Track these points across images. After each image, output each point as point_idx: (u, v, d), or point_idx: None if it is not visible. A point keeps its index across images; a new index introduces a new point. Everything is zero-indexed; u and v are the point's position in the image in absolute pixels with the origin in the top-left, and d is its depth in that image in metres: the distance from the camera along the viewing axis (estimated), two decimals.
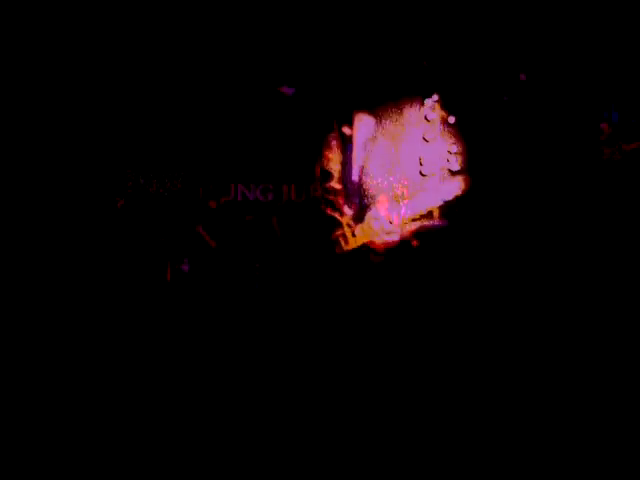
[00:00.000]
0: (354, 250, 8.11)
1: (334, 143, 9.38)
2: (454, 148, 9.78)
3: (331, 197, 8.39)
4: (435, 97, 9.33)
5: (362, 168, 9.58)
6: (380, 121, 9.71)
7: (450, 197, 9.23)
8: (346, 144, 9.40)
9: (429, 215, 9.29)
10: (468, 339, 5.24)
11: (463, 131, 9.45)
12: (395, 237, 8.04)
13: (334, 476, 2.83)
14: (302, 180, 10.25)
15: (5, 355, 4.45)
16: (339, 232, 8.12)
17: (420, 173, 9.83)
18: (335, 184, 8.41)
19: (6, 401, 3.57)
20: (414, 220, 8.93)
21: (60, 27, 7.36)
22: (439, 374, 4.30)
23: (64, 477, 2.82)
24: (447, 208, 9.21)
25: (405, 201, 9.59)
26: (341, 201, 8.40)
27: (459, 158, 9.40)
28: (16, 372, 4.09)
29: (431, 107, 9.32)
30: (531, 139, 9.14)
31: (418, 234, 8.02)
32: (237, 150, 9.97)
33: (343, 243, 8.07)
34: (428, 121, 9.55)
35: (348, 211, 8.29)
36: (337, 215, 8.34)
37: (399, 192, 9.39)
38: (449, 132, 9.53)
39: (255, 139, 9.77)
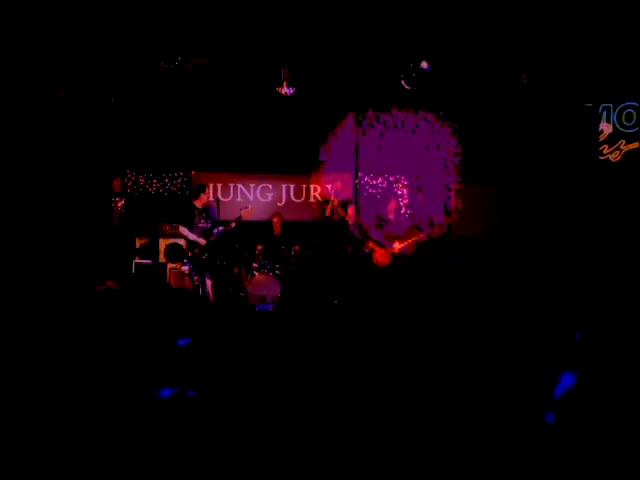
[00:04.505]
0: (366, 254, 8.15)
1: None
2: (455, 151, 9.82)
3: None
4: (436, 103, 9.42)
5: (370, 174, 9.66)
6: (385, 124, 9.75)
7: (451, 199, 9.30)
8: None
9: (433, 220, 9.35)
10: (470, 336, 5.26)
11: (464, 132, 9.47)
12: (402, 241, 8.04)
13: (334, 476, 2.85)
14: (301, 180, 10.30)
15: (5, 354, 4.46)
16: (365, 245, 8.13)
17: (424, 177, 9.90)
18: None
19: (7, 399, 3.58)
20: (417, 225, 8.99)
21: (61, 29, 7.35)
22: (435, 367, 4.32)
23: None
24: (448, 207, 9.27)
25: (408, 203, 9.61)
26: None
27: (460, 160, 9.46)
28: (15, 370, 4.11)
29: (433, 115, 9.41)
30: (531, 140, 9.14)
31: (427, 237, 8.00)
32: (237, 150, 10.00)
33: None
34: (430, 124, 9.60)
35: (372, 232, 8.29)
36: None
37: (401, 193, 9.42)
38: (451, 135, 9.57)
39: (255, 139, 9.80)
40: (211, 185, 9.44)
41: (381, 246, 8.03)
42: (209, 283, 7.91)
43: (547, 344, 5.00)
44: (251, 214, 8.03)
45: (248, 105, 9.22)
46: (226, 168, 9.69)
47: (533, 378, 4.10)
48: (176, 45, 7.83)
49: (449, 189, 9.37)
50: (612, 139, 8.60)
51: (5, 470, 2.89)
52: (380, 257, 8.06)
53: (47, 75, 8.12)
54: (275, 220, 9.05)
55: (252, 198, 9.71)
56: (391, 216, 8.16)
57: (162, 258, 8.86)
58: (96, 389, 3.81)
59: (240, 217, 7.91)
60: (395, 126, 9.39)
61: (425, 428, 3.32)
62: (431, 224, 9.03)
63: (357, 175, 9.58)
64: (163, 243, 8.89)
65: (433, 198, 9.42)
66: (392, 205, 8.23)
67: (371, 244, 8.08)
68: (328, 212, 8.77)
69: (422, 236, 7.94)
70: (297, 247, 8.64)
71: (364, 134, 9.53)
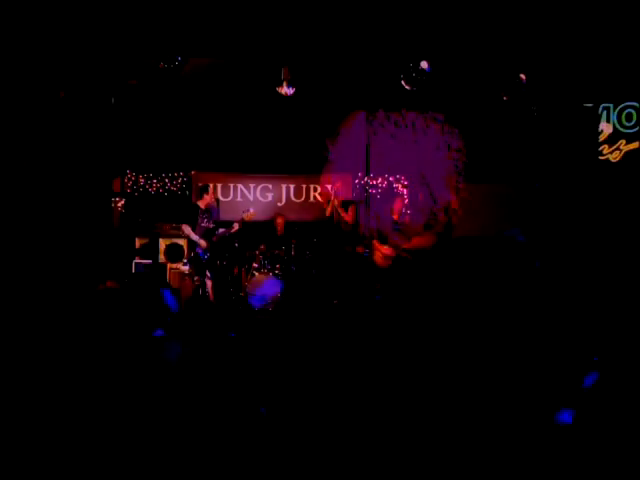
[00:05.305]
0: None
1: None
2: (459, 152, 9.84)
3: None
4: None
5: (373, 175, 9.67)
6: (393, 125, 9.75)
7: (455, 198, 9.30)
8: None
9: (436, 220, 9.35)
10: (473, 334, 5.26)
11: (465, 133, 9.46)
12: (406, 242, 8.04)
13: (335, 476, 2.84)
14: (301, 180, 10.29)
15: (5, 354, 4.46)
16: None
17: (429, 177, 9.89)
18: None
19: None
20: (423, 226, 8.99)
21: (61, 28, 7.35)
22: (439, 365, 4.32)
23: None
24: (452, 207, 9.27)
25: (411, 203, 9.60)
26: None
27: (463, 160, 9.46)
28: (15, 371, 4.11)
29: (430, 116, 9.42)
30: (531, 140, 9.14)
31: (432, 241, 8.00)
32: (237, 150, 10.00)
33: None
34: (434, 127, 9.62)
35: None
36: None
37: (404, 193, 9.41)
38: (455, 135, 9.57)
39: (255, 140, 9.79)
40: (211, 185, 9.45)
41: (386, 246, 8.02)
42: (209, 283, 7.92)
43: (550, 345, 4.99)
44: (253, 217, 8.09)
45: (248, 105, 9.21)
46: (226, 168, 9.68)
47: (539, 379, 4.09)
48: (176, 45, 7.82)
49: (453, 189, 9.38)
50: (612, 139, 8.59)
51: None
52: (381, 257, 8.05)
53: (47, 75, 8.11)
54: (279, 220, 9.03)
55: (252, 198, 9.70)
56: (395, 216, 8.16)
57: (162, 258, 8.87)
58: (94, 390, 3.81)
59: (242, 220, 7.98)
60: (406, 126, 9.40)
61: (425, 428, 3.33)
62: (435, 224, 9.03)
63: (365, 175, 9.56)
64: (163, 243, 8.89)
65: (436, 198, 9.43)
66: (397, 205, 8.23)
67: (375, 244, 8.07)
68: (329, 212, 8.76)
69: (427, 239, 7.94)
70: (293, 240, 8.65)
71: (375, 134, 9.53)
